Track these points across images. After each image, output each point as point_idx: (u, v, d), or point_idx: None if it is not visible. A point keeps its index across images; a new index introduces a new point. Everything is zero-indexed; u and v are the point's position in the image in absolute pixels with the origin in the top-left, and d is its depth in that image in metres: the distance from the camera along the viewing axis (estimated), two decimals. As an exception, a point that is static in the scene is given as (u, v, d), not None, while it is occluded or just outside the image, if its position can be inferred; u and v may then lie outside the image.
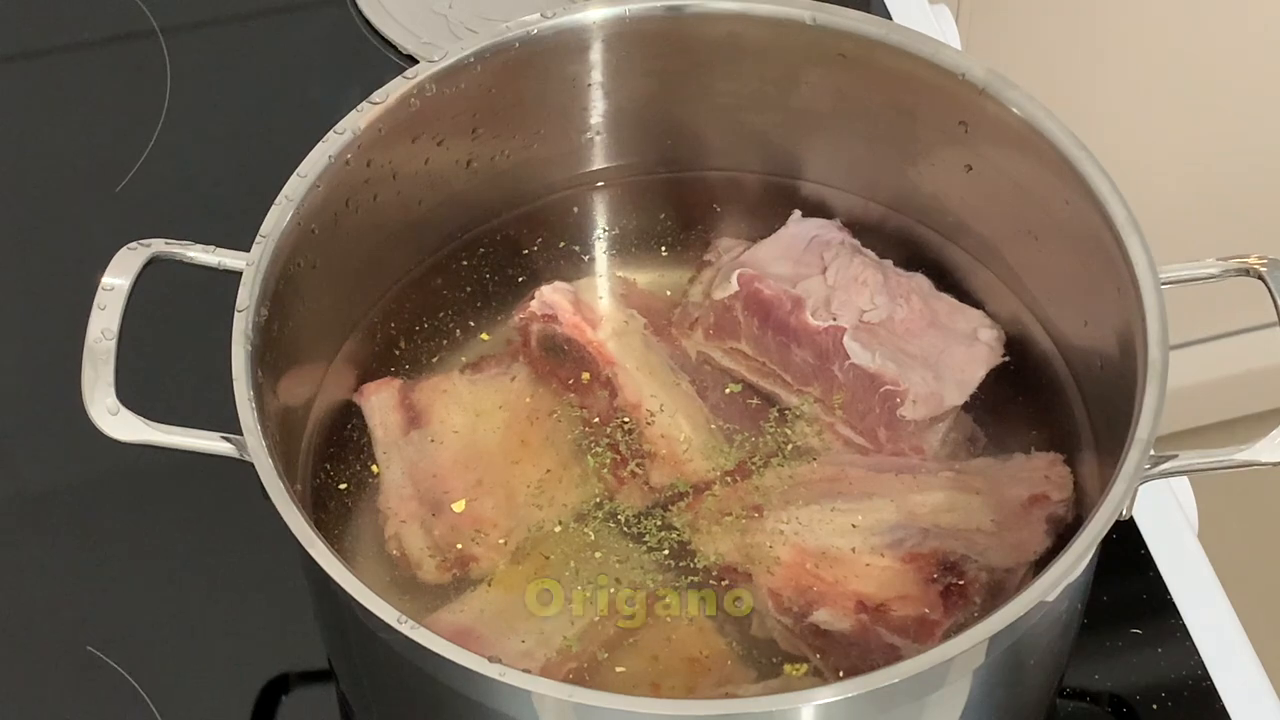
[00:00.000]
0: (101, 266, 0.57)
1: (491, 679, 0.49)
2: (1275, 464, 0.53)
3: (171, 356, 0.70)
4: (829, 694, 0.49)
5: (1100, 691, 0.63)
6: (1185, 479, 0.70)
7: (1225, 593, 0.66)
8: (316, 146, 0.60)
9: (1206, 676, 0.63)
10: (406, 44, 0.80)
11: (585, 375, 0.62)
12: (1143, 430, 0.52)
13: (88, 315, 0.56)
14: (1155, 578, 0.65)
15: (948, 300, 0.65)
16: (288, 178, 0.60)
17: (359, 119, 0.61)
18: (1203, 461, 0.53)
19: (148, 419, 0.55)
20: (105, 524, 0.68)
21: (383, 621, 0.50)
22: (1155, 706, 0.62)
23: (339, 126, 0.61)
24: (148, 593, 0.67)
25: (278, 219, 0.58)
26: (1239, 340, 1.11)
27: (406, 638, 0.49)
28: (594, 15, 0.63)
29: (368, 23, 0.81)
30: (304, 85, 0.80)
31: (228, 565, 0.67)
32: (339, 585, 0.50)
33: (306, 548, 0.50)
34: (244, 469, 0.54)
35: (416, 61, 0.70)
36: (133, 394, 0.56)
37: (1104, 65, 1.14)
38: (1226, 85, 1.18)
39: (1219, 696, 0.63)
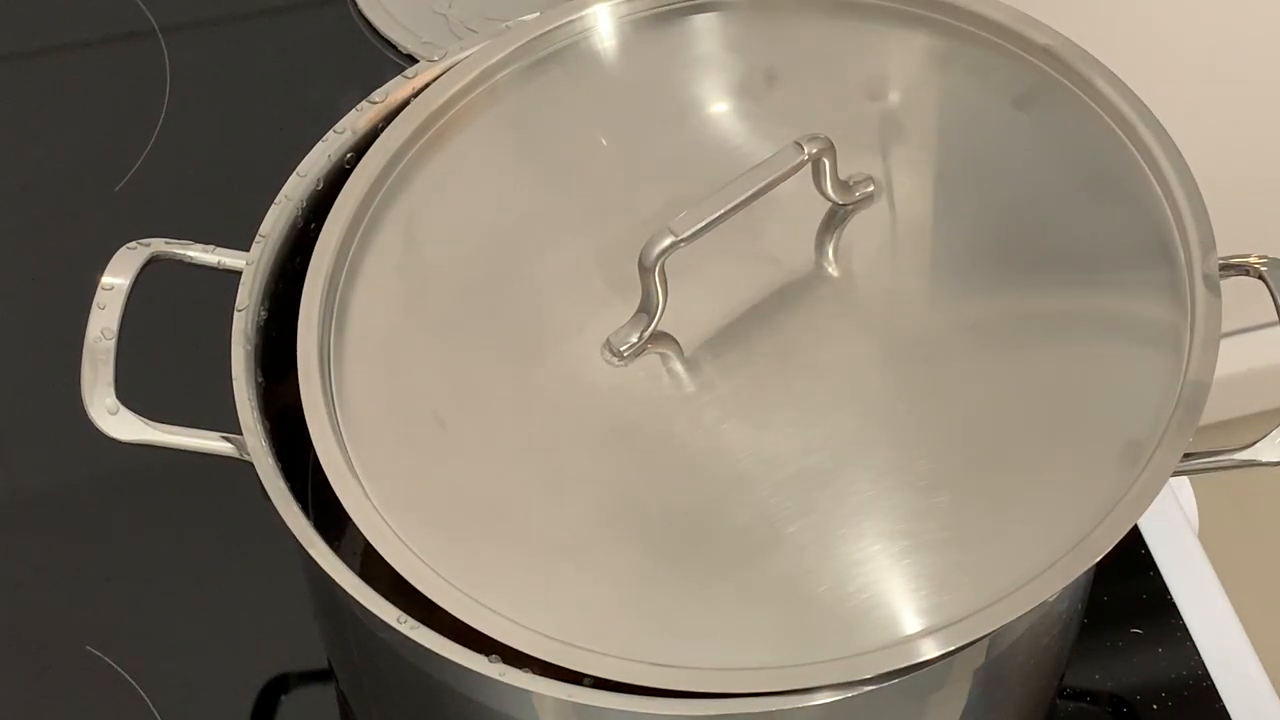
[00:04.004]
0: (101, 266, 0.57)
1: (492, 679, 0.49)
2: (1275, 463, 0.53)
3: (172, 356, 0.70)
4: (827, 695, 0.49)
5: (1100, 691, 0.63)
6: (1186, 479, 0.70)
7: (1226, 593, 0.66)
8: (316, 146, 0.60)
9: (1207, 676, 0.63)
10: (406, 44, 0.80)
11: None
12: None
13: (88, 315, 0.56)
14: (1155, 577, 0.65)
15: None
16: (288, 177, 0.59)
17: (359, 119, 0.61)
18: (1203, 462, 0.53)
19: (148, 419, 0.55)
20: (104, 524, 0.68)
21: (382, 621, 0.50)
22: (1155, 706, 0.62)
23: (339, 126, 0.60)
24: (147, 592, 0.67)
25: (277, 218, 0.58)
26: (1239, 340, 1.11)
27: (406, 637, 0.49)
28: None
29: (368, 23, 0.81)
30: (304, 85, 0.80)
31: (227, 565, 0.67)
32: (339, 584, 0.50)
33: (306, 547, 0.50)
34: (244, 468, 0.54)
35: (416, 61, 0.69)
36: (133, 394, 0.55)
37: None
38: (1225, 82, 1.18)
39: (1219, 696, 0.63)
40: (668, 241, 0.53)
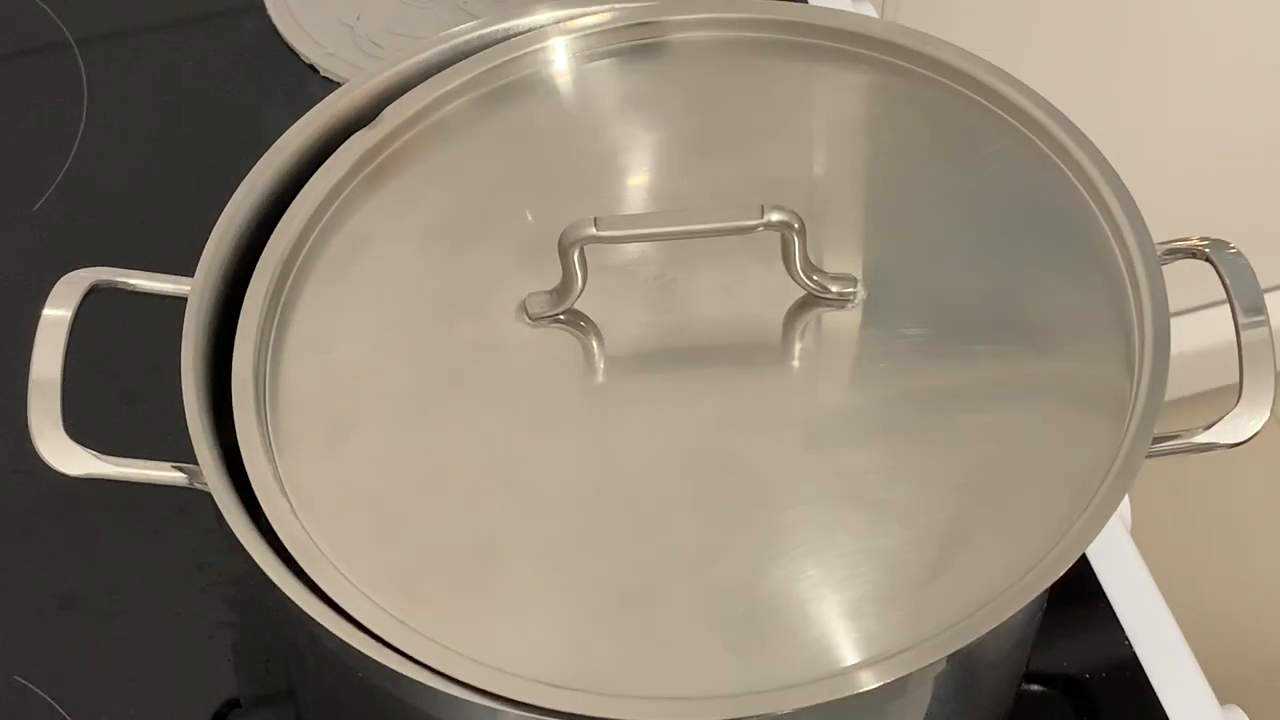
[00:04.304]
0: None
1: (476, 704, 0.48)
2: (1236, 444, 0.53)
3: (109, 383, 0.68)
4: (785, 705, 0.49)
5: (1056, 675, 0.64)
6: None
7: (1154, 581, 0.67)
8: (256, 165, 0.59)
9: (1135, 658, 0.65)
10: (310, 54, 0.79)
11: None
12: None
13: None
14: (1084, 566, 0.66)
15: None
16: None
17: (298, 136, 0.59)
18: (1161, 446, 0.53)
19: (100, 449, 0.54)
20: (32, 546, 0.67)
21: (362, 654, 0.49)
22: (1086, 687, 0.64)
23: (278, 144, 0.59)
24: (79, 615, 0.65)
25: (220, 240, 0.57)
26: (1186, 319, 1.13)
27: (386, 668, 0.49)
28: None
29: (277, 31, 0.80)
30: (226, 95, 0.79)
31: (163, 589, 0.65)
32: (320, 625, 0.49)
33: (280, 585, 0.49)
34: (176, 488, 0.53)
35: (318, 71, 0.69)
36: (86, 423, 0.54)
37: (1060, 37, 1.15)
38: (1216, 74, 1.20)
39: (1147, 676, 0.64)
40: (587, 232, 0.53)
